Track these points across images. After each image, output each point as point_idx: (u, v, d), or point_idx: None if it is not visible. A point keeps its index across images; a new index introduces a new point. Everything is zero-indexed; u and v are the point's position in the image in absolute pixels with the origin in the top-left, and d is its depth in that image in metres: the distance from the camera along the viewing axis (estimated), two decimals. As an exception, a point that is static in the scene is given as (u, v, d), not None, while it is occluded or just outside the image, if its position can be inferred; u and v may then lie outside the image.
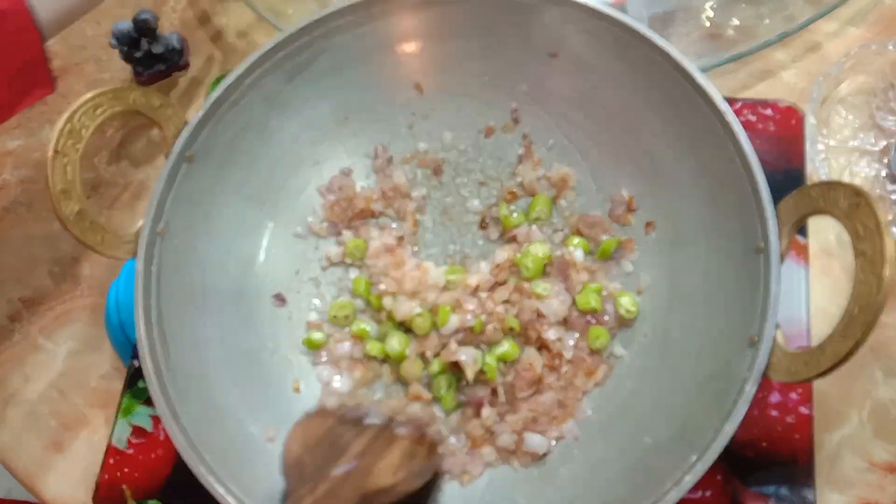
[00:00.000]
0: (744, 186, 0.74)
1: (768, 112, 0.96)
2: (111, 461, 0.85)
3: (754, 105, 0.96)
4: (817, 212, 0.69)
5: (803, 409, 0.81)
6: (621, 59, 0.83)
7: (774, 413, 0.82)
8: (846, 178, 0.92)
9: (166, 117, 0.86)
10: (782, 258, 0.71)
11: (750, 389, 0.68)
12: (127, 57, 1.06)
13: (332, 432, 0.73)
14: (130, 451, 0.86)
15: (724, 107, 0.76)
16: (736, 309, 0.73)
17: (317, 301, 0.92)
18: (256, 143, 0.90)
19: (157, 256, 0.78)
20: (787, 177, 0.91)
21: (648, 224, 0.88)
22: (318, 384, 0.88)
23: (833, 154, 0.94)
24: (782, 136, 0.94)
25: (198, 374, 0.80)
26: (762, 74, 1.00)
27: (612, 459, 0.77)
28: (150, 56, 1.05)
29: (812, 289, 0.84)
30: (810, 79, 0.97)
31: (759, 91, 0.98)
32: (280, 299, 0.90)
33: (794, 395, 0.82)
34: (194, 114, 0.85)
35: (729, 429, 0.67)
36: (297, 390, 0.85)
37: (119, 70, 1.14)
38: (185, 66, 1.11)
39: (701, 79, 0.78)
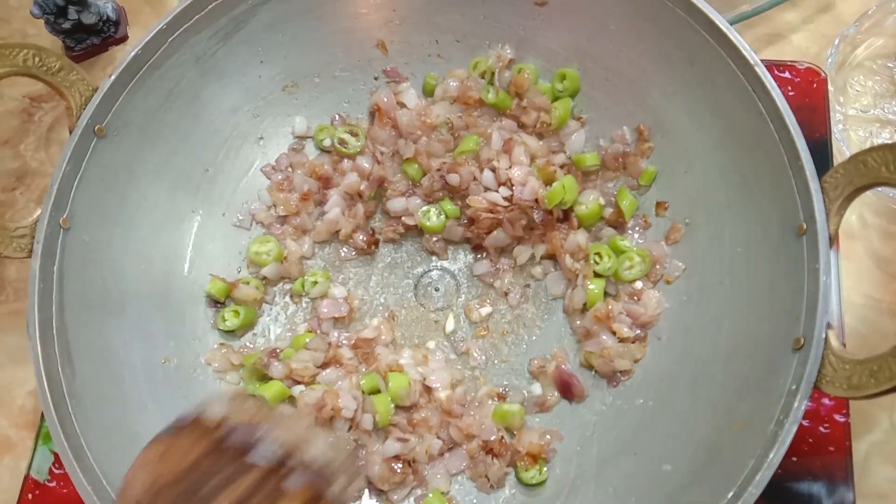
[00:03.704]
0: (778, 155, 0.67)
1: (786, 75, 0.89)
2: (29, 496, 0.81)
3: (770, 67, 0.86)
4: (879, 182, 0.59)
5: (838, 417, 0.75)
6: (623, 2, 0.76)
7: (805, 422, 0.74)
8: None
9: (69, 83, 0.75)
10: (831, 242, 0.62)
11: (798, 406, 0.59)
12: (54, 28, 0.98)
13: (196, 469, 0.56)
14: (52, 484, 0.81)
15: (753, 59, 0.68)
16: (774, 304, 0.66)
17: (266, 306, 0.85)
18: (185, 116, 0.82)
19: (59, 254, 0.72)
20: (810, 148, 0.84)
21: (659, 204, 0.81)
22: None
23: (852, 124, 0.89)
24: (803, 103, 0.86)
25: (110, 397, 0.72)
26: (770, 38, 0.94)
27: (622, 497, 0.69)
28: (81, 27, 0.98)
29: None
30: (824, 42, 0.92)
31: (768, 57, 0.92)
32: (216, 302, 0.83)
33: (826, 401, 0.75)
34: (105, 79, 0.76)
35: (774, 458, 0.58)
36: None
37: (49, 45, 1.02)
38: (124, 39, 1.03)
39: (723, 25, 0.69)
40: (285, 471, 0.55)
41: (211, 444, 0.56)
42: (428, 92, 0.86)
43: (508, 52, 0.83)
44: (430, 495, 0.73)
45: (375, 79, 0.88)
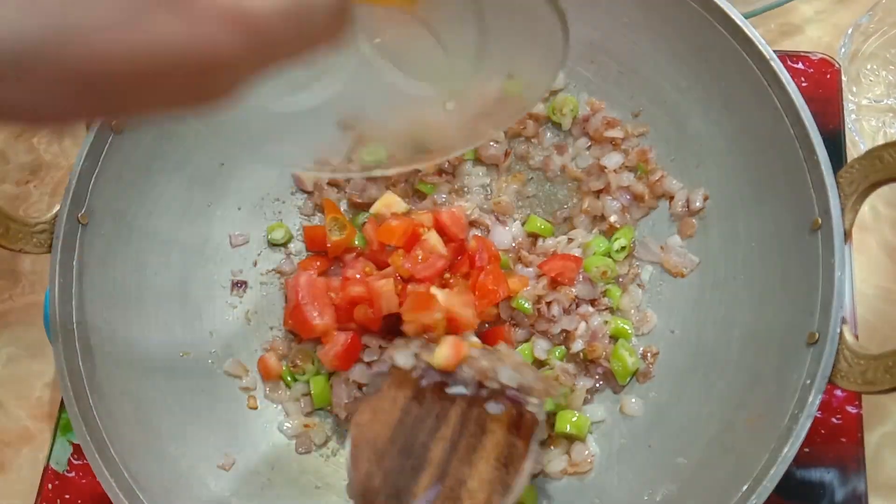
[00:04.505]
0: (793, 150, 0.66)
1: (799, 66, 0.88)
2: (49, 486, 0.81)
3: (783, 58, 0.86)
4: (895, 178, 0.59)
5: (851, 409, 0.75)
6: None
7: (818, 413, 0.71)
8: (880, 142, 0.85)
9: None
10: (846, 237, 0.62)
11: (813, 401, 0.59)
12: None
13: (406, 421, 0.59)
14: (72, 475, 0.81)
15: (769, 54, 0.68)
16: (788, 299, 0.65)
17: (282, 296, 0.84)
18: None
19: (77, 249, 0.72)
20: (823, 140, 0.83)
21: (671, 197, 0.80)
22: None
23: (864, 114, 0.88)
24: (816, 94, 0.86)
25: (130, 390, 0.71)
26: (783, 29, 0.94)
27: (635, 490, 0.69)
28: None
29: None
30: (837, 32, 0.92)
31: (781, 48, 0.91)
32: (240, 287, 0.84)
33: (839, 393, 0.75)
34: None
35: (789, 452, 0.58)
36: (252, 407, 0.79)
37: None
38: None
39: (738, 19, 0.69)
40: (485, 396, 0.59)
41: (412, 388, 0.61)
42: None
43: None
44: None
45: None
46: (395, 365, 0.64)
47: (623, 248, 0.79)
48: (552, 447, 0.74)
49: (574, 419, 0.73)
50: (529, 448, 0.61)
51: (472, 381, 0.61)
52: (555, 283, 0.76)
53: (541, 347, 0.76)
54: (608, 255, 0.79)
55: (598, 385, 0.76)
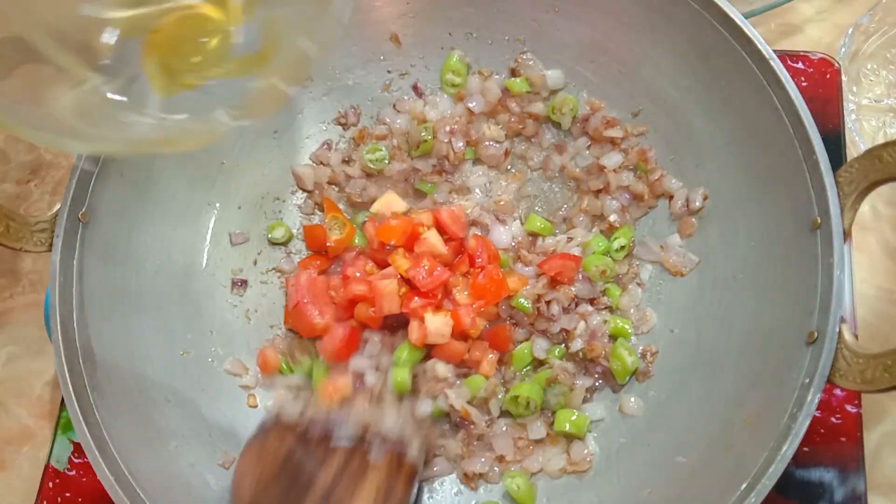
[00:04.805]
0: (793, 149, 0.66)
1: (799, 66, 0.88)
2: (50, 485, 0.81)
3: (783, 58, 0.86)
4: (894, 178, 0.59)
5: (850, 408, 0.75)
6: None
7: (817, 413, 0.73)
8: (880, 142, 0.84)
9: None
10: (846, 236, 0.62)
11: (812, 400, 0.59)
12: None
13: (291, 459, 0.64)
14: (72, 473, 0.81)
15: (768, 53, 0.68)
16: (787, 298, 0.66)
17: (282, 295, 0.84)
18: None
19: (78, 248, 0.71)
20: (823, 140, 0.83)
21: (670, 196, 0.80)
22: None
23: (864, 114, 0.88)
24: (816, 94, 0.86)
25: (131, 388, 0.71)
26: (783, 28, 0.94)
27: (635, 488, 0.69)
28: None
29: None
30: (837, 32, 0.92)
31: (781, 47, 0.91)
32: (240, 285, 0.84)
33: (838, 392, 0.75)
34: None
35: (787, 450, 0.58)
36: (253, 405, 0.79)
37: None
38: None
39: (738, 19, 0.69)
40: (366, 446, 0.64)
41: (296, 437, 0.65)
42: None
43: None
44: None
45: (389, 72, 0.88)
46: (282, 413, 0.69)
47: (623, 247, 0.79)
48: (551, 446, 0.74)
49: (573, 418, 0.73)
50: (409, 491, 0.66)
51: (356, 435, 0.67)
52: (554, 283, 0.76)
53: (540, 347, 0.76)
54: (608, 254, 0.79)
55: (597, 384, 0.76)
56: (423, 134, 0.82)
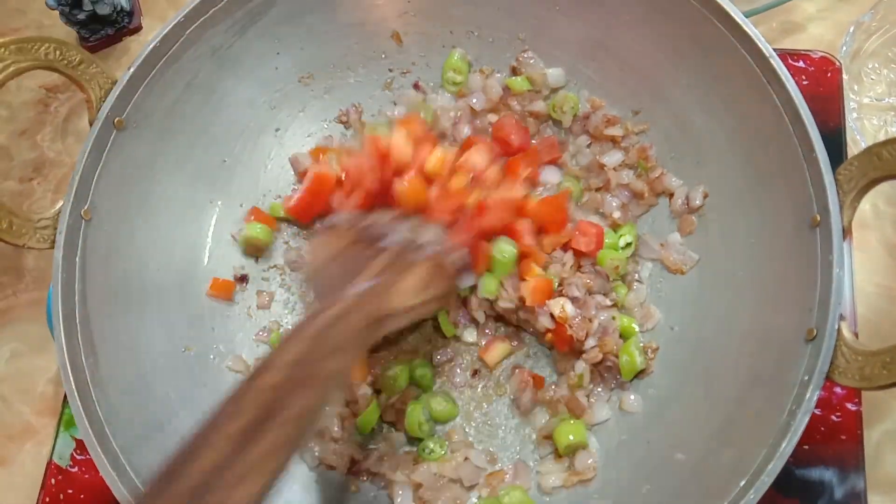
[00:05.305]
0: (793, 147, 0.66)
1: (800, 64, 0.88)
2: (52, 481, 0.81)
3: (784, 56, 0.86)
4: (894, 175, 0.59)
5: (850, 406, 0.74)
6: (639, -4, 0.76)
7: (817, 411, 0.72)
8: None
9: (89, 76, 0.75)
10: (845, 234, 0.62)
11: (811, 397, 0.59)
12: (69, 20, 0.99)
13: (349, 251, 0.71)
14: (74, 469, 0.81)
15: (768, 52, 0.67)
16: (787, 295, 0.65)
17: (283, 292, 0.85)
18: (203, 108, 0.82)
19: (81, 245, 0.72)
20: (824, 138, 0.83)
21: (671, 194, 0.80)
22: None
23: (866, 113, 0.88)
24: (817, 92, 0.86)
25: (133, 385, 0.72)
26: (784, 27, 0.94)
27: (634, 485, 0.69)
28: (95, 18, 0.99)
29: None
30: (839, 30, 0.91)
31: (782, 46, 0.91)
32: (241, 280, 0.84)
33: (838, 390, 0.75)
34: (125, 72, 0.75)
35: (786, 447, 0.58)
36: None
37: (64, 36, 1.04)
38: (138, 29, 1.04)
39: (739, 17, 0.69)
40: (412, 248, 0.71)
41: (353, 237, 0.73)
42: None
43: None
44: None
45: (390, 70, 0.88)
46: (337, 222, 0.77)
47: (629, 244, 0.79)
48: (556, 462, 0.74)
49: (571, 423, 0.73)
50: (450, 285, 0.74)
51: (402, 238, 0.72)
52: (579, 255, 0.77)
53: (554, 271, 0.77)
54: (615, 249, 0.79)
55: (600, 389, 0.76)
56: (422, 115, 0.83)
